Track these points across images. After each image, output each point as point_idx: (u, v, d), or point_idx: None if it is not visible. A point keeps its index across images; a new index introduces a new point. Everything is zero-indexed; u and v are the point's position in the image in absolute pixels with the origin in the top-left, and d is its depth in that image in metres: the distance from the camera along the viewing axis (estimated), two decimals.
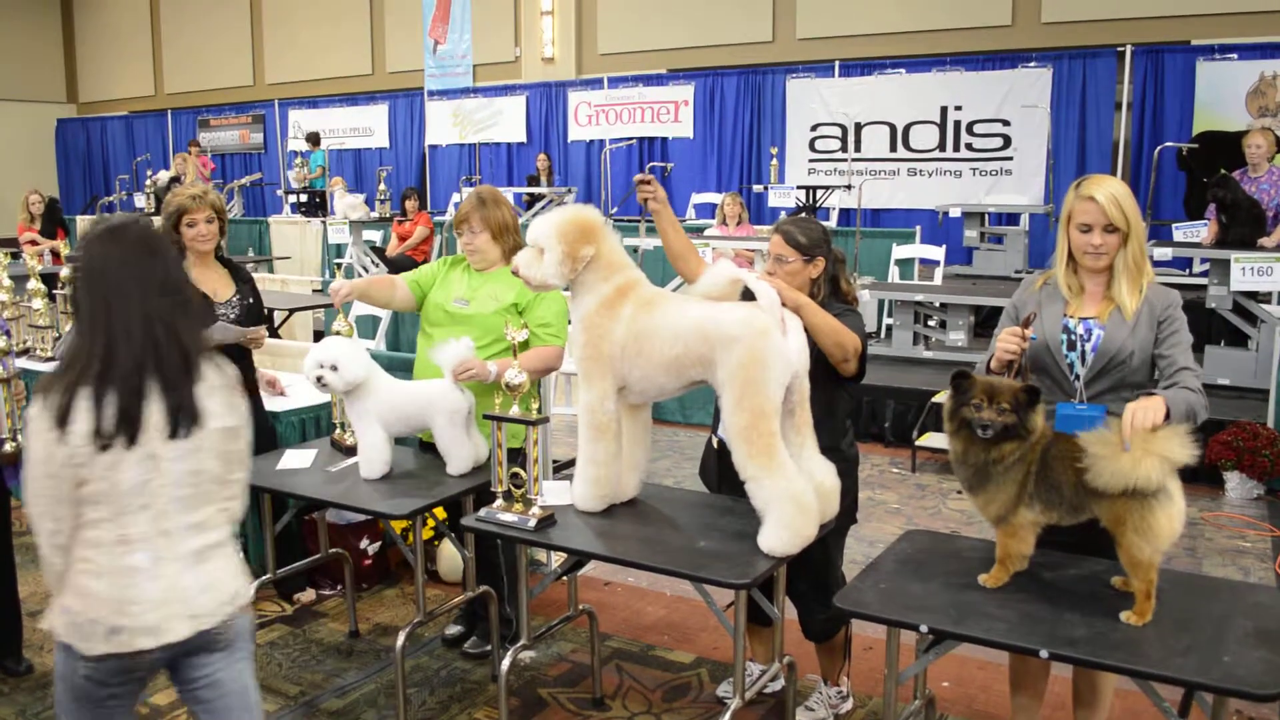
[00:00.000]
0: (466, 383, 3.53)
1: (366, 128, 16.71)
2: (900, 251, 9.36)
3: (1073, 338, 2.85)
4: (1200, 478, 6.29)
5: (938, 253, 9.10)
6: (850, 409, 3.37)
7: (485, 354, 3.67)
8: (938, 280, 8.74)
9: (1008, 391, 2.56)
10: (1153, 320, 2.81)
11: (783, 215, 3.35)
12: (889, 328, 8.77)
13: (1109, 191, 2.76)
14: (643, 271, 3.08)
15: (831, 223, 10.83)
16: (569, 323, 3.14)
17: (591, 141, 14.33)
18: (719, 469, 3.35)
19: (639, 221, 9.52)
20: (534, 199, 11.65)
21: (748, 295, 2.87)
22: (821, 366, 3.11)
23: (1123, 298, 2.81)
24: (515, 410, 3.07)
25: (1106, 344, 2.80)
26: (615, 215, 10.72)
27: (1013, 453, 2.55)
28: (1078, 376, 2.84)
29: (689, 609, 4.38)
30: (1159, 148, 9.49)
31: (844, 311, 3.24)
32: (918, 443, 6.61)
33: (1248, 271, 6.91)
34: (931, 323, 8.27)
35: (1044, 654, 2.28)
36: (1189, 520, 5.82)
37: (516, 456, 3.36)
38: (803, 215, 3.40)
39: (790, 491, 2.77)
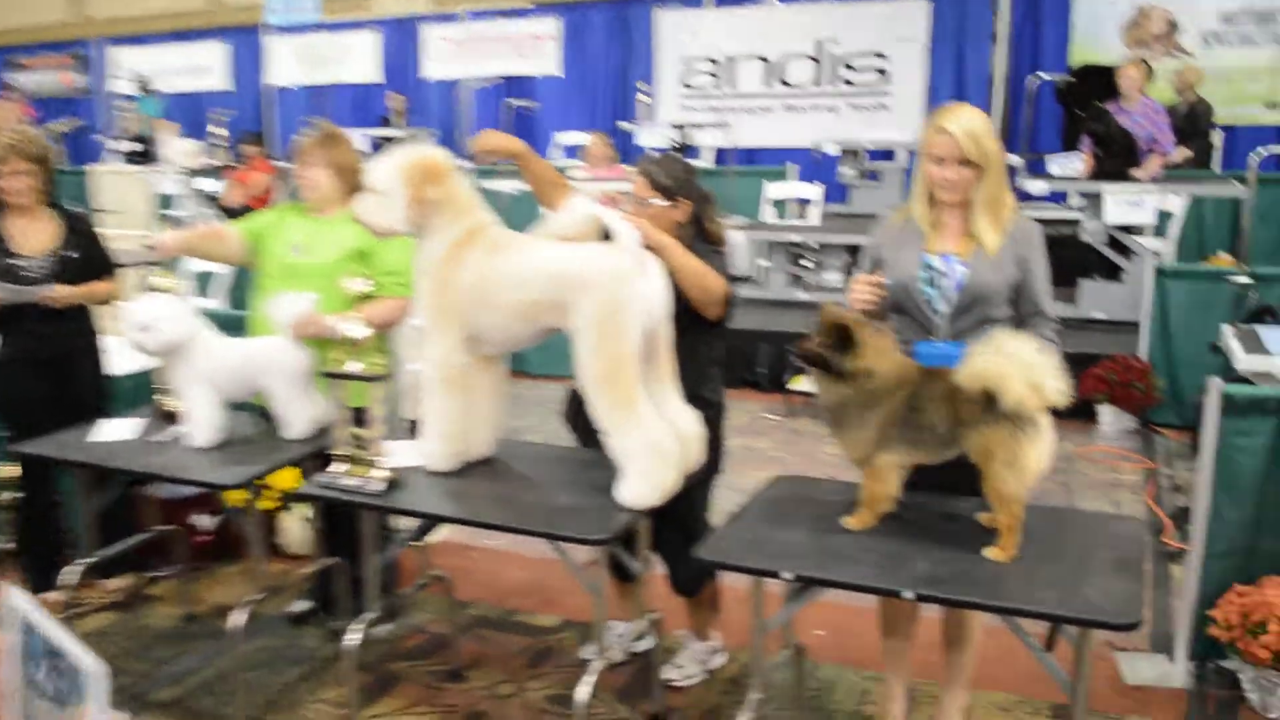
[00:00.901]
0: (306, 339, 3.44)
1: (203, 67, 16.01)
2: (774, 190, 9.45)
3: (933, 274, 2.89)
4: (1074, 413, 6.52)
5: (814, 191, 9.21)
6: (717, 355, 3.39)
7: (329, 308, 3.56)
8: (814, 219, 8.82)
9: (829, 325, 2.60)
10: (1017, 256, 2.87)
11: (646, 157, 3.34)
12: (763, 269, 8.85)
13: (964, 124, 2.78)
14: (505, 219, 3.05)
15: (705, 162, 10.83)
16: None
17: (450, 81, 14.02)
18: (582, 416, 3.34)
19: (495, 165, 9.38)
20: (386, 143, 11.36)
21: (608, 237, 2.85)
22: (685, 311, 3.11)
23: (983, 233, 2.86)
24: (356, 366, 2.98)
25: (972, 283, 2.85)
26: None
27: (866, 392, 2.58)
28: (938, 313, 2.89)
29: (552, 570, 4.37)
30: (1033, 79, 9.73)
31: (710, 254, 3.24)
32: (790, 387, 6.72)
33: (1120, 204, 7.18)
34: (807, 263, 8.38)
35: (908, 594, 2.33)
36: (1063, 456, 6.13)
37: (360, 414, 3.27)
38: (667, 154, 3.38)
39: (649, 441, 2.77)
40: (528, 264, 2.87)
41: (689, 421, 2.95)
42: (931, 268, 2.89)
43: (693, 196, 3.27)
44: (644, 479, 2.77)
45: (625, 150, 12.52)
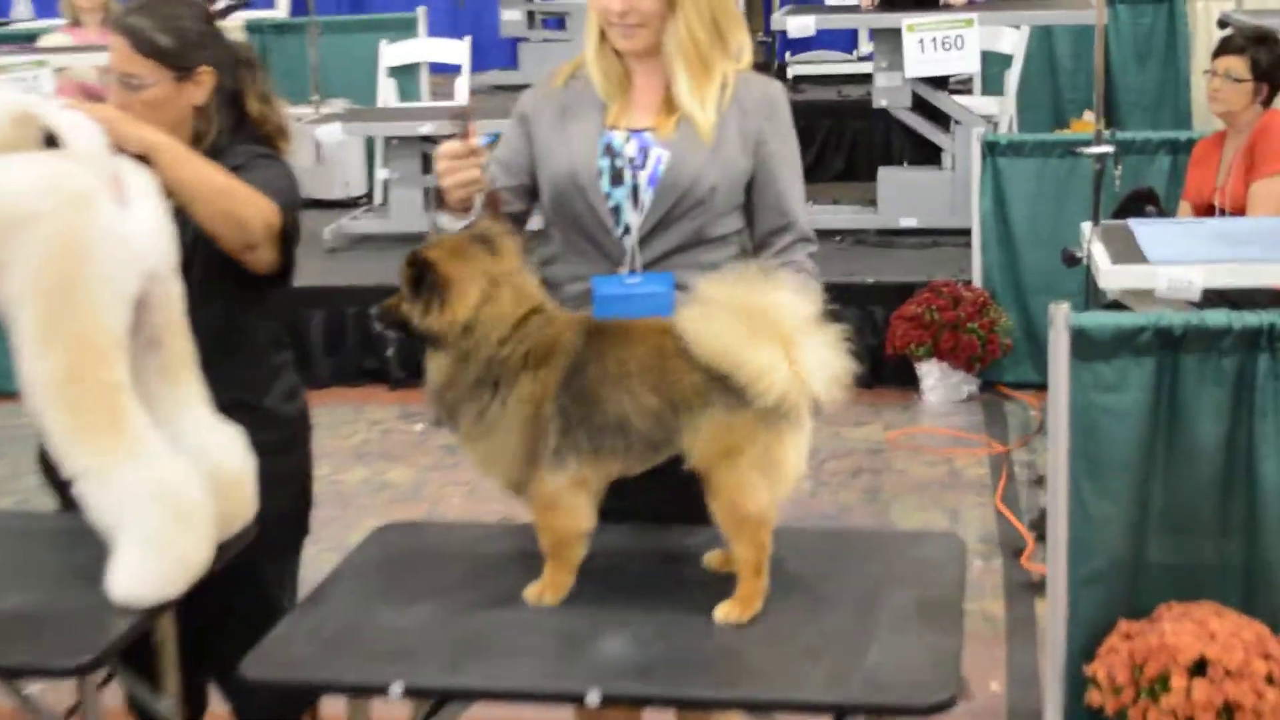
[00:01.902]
0: None
1: None
2: (394, 52, 9.43)
3: (617, 163, 2.94)
4: (883, 376, 6.84)
5: (459, 50, 9.26)
6: (275, 333, 3.38)
7: None
8: (461, 98, 8.88)
9: (404, 265, 2.64)
10: (747, 133, 2.95)
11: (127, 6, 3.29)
12: (384, 184, 8.78)
13: None
14: None
15: (278, 12, 10.65)
16: None
17: None
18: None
19: None
20: None
21: (54, 142, 2.77)
22: (213, 261, 3.09)
23: (686, 101, 2.92)
24: None
25: (675, 175, 2.91)
26: None
27: (480, 364, 2.59)
28: (626, 230, 2.93)
29: None
30: None
31: (255, 159, 3.22)
32: None
33: (929, 45, 7.53)
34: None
35: (593, 697, 2.34)
36: (869, 448, 6.42)
37: None
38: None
39: (154, 488, 2.70)
40: None
41: (229, 449, 2.90)
42: (614, 152, 2.94)
43: (217, 62, 3.23)
44: (154, 552, 2.69)
45: None
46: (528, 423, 2.58)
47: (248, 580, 3.09)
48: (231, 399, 3.00)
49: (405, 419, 6.90)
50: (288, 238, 3.18)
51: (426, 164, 8.25)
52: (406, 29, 9.78)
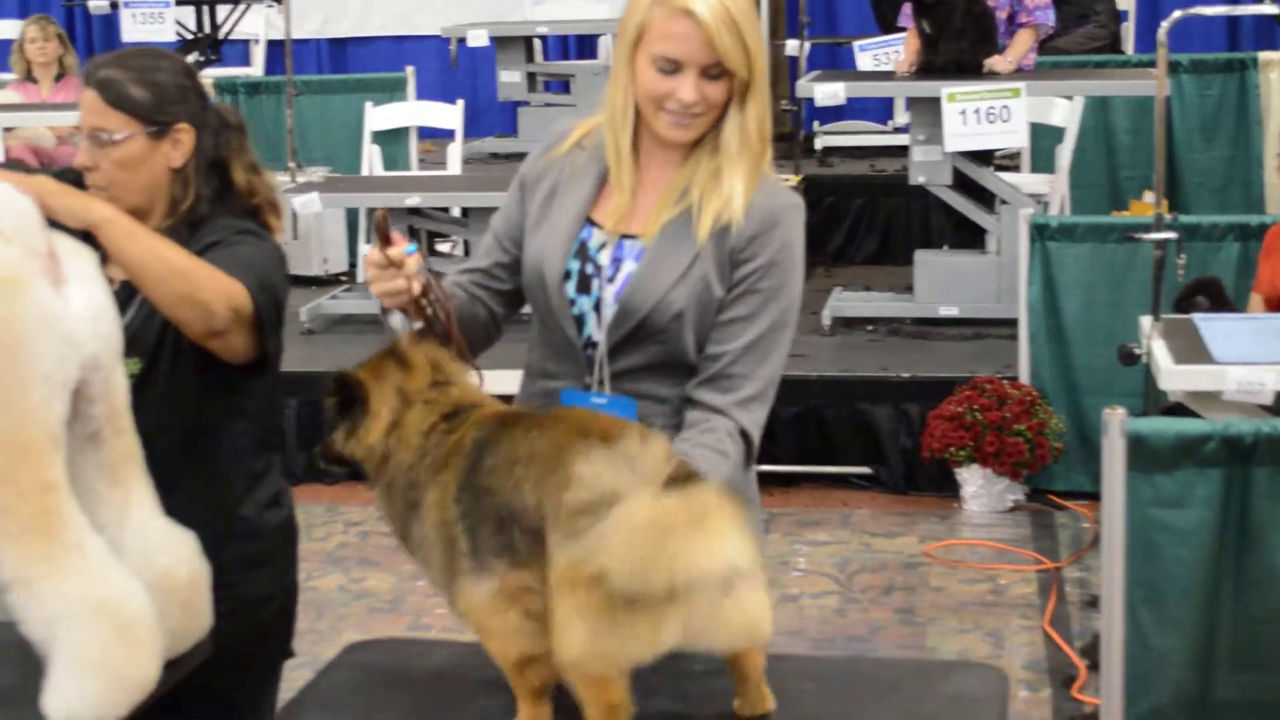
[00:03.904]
0: None
1: None
2: (380, 116, 9.45)
3: (587, 270, 2.91)
4: (919, 483, 6.79)
5: (451, 114, 9.27)
6: (260, 431, 3.35)
7: None
8: (454, 166, 8.92)
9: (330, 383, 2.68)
10: (724, 254, 2.86)
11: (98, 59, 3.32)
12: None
13: (716, 2, 2.79)
14: None
15: (252, 69, 10.70)
16: None
17: None
18: None
19: None
20: None
21: None
22: (182, 350, 3.12)
23: (730, 199, 2.84)
24: None
25: (637, 294, 2.86)
26: None
27: (406, 480, 2.60)
28: (591, 343, 2.91)
29: None
30: None
31: (235, 234, 3.21)
32: None
33: (971, 116, 7.52)
34: (447, 247, 8.39)
35: None
36: (904, 562, 6.36)
37: None
38: (143, 49, 3.33)
39: (94, 600, 2.66)
40: None
41: (179, 552, 2.86)
42: (587, 255, 2.92)
43: (196, 121, 3.25)
44: (86, 673, 2.64)
45: (98, 51, 12.24)
46: (437, 530, 2.56)
47: (219, 709, 3.08)
48: (203, 505, 3.02)
49: (382, 520, 6.85)
50: (262, 324, 3.15)
51: (414, 239, 8.26)
52: (394, 90, 9.77)
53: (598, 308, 2.89)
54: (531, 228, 2.96)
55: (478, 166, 9.47)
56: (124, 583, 2.69)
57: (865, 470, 7.07)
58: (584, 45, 11.01)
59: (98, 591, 2.65)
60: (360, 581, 6.27)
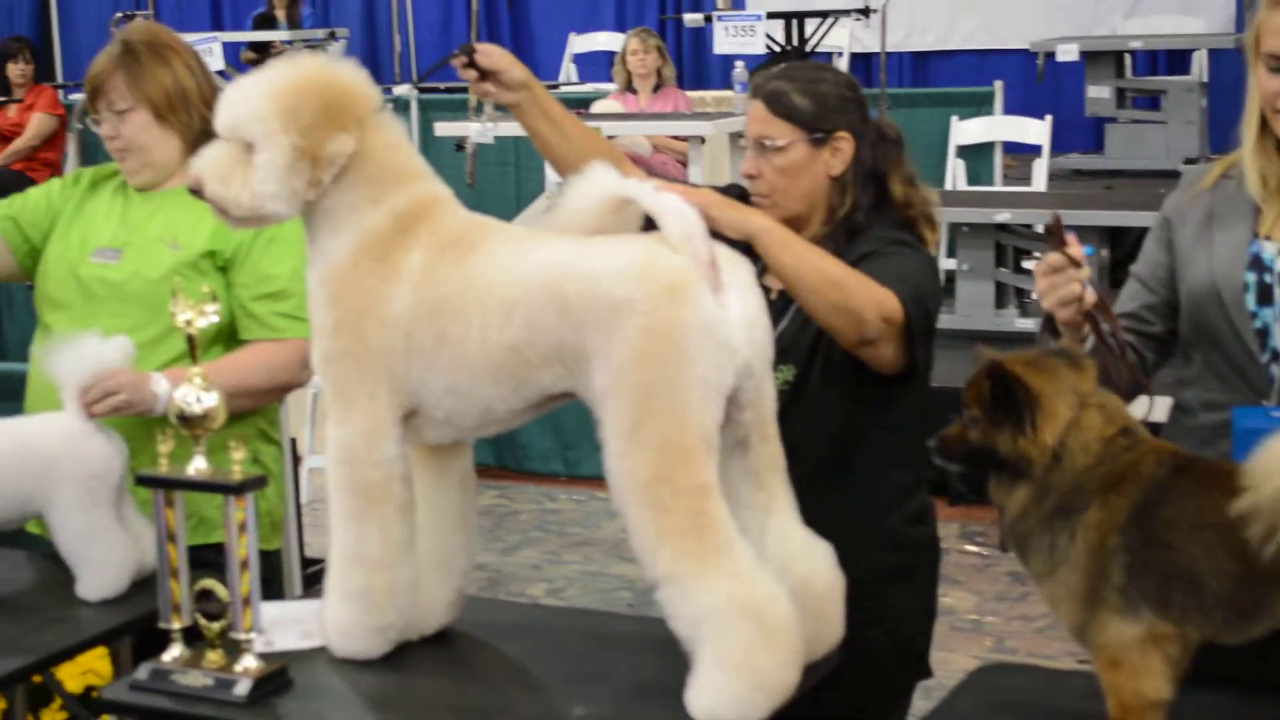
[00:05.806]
0: (111, 418, 3.48)
1: None
2: (966, 130, 9.43)
3: (1266, 279, 2.87)
4: None
5: (1038, 130, 9.18)
6: (909, 446, 3.31)
7: (153, 358, 3.64)
8: (1039, 183, 8.80)
9: (979, 380, 2.60)
10: None
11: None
12: (948, 274, 8.77)
13: None
14: (475, 196, 3.10)
15: None
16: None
17: None
18: None
19: (467, 92, 9.45)
20: (263, 54, 11.49)
21: (652, 225, 2.87)
22: (834, 359, 3.21)
23: None
24: (199, 466, 3.00)
25: None
26: (422, 86, 10.62)
27: (1059, 493, 2.55)
28: (1275, 355, 2.86)
29: None
30: None
31: (891, 245, 3.29)
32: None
33: None
34: (1030, 264, 8.34)
35: None
36: None
37: (213, 557, 3.28)
38: (816, 64, 3.49)
39: (742, 601, 2.73)
40: (510, 274, 2.87)
41: (816, 561, 2.93)
42: (1263, 266, 2.88)
43: (856, 131, 3.34)
44: (732, 673, 2.72)
45: (690, 62, 12.60)
46: (1091, 554, 2.53)
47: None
48: (848, 515, 3.10)
49: (966, 538, 6.86)
50: (913, 334, 3.20)
51: (1000, 256, 8.24)
52: (980, 105, 9.80)
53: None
54: (1188, 259, 2.94)
55: (1062, 183, 9.34)
56: (770, 587, 2.76)
57: None
58: (1175, 60, 10.76)
59: (745, 593, 2.72)
60: (940, 598, 6.29)
